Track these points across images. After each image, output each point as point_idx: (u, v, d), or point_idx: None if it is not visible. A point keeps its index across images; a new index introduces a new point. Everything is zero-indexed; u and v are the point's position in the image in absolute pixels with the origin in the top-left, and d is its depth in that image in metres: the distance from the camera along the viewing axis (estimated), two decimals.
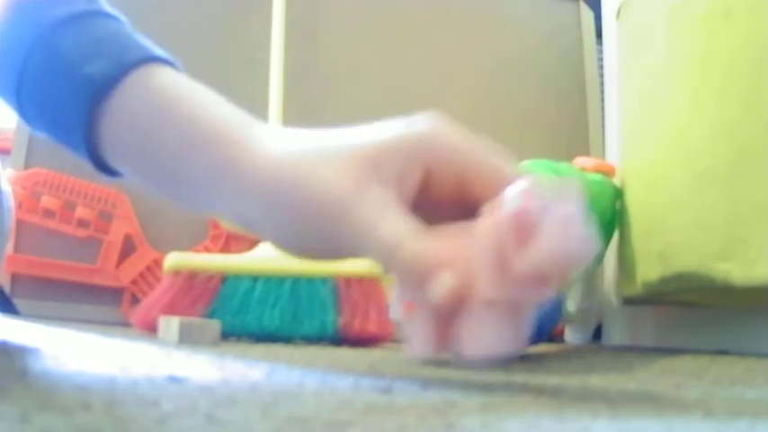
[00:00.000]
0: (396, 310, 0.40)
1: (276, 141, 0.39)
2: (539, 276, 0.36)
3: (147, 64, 0.42)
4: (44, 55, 0.43)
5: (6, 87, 0.45)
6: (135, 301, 1.14)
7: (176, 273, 0.90)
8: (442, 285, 0.34)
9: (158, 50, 0.44)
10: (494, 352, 0.35)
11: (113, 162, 0.44)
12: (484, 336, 0.35)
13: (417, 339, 0.38)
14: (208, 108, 0.41)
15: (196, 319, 0.75)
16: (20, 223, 1.13)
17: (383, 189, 0.36)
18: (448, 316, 0.37)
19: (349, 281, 0.92)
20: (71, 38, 0.43)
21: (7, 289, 1.13)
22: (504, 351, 0.35)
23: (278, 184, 0.37)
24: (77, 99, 0.42)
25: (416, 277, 0.35)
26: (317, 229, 0.37)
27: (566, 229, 0.33)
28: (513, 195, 0.34)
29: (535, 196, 0.34)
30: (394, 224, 0.35)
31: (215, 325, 0.72)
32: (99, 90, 0.41)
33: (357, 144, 0.37)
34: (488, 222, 0.35)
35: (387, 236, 0.35)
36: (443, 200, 0.39)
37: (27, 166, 1.16)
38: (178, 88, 0.42)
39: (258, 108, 1.07)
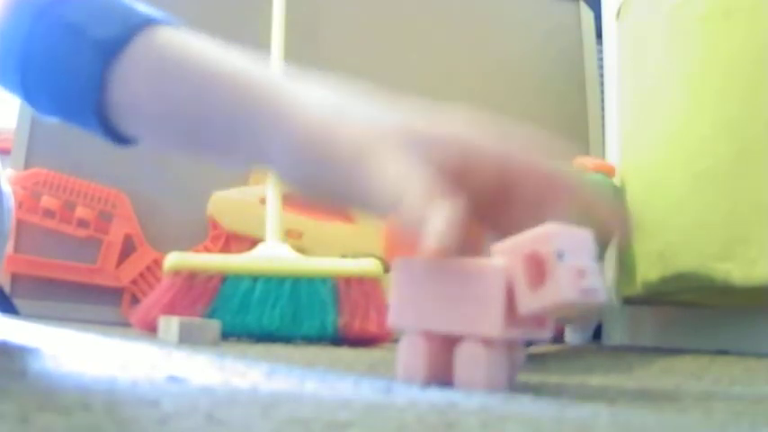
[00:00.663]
0: (394, 315, 0.40)
1: (312, 96, 0.39)
2: (542, 318, 0.37)
3: (153, 24, 0.42)
4: (46, 31, 0.43)
5: (11, 77, 0.45)
6: (135, 301, 1.14)
7: (176, 273, 0.90)
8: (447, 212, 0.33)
9: (161, 14, 0.44)
10: (487, 387, 0.36)
11: (127, 126, 0.44)
12: (479, 371, 0.36)
13: (408, 367, 0.39)
14: (222, 58, 0.41)
15: (196, 319, 0.75)
16: (20, 223, 1.13)
17: (410, 150, 0.36)
18: (441, 347, 0.38)
19: (349, 281, 0.92)
20: (72, 10, 0.43)
21: (7, 289, 1.13)
22: (497, 387, 0.36)
23: (312, 140, 0.37)
24: (87, 64, 0.42)
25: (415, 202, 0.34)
26: (336, 171, 0.37)
27: (575, 280, 0.34)
28: (529, 239, 0.35)
29: (550, 243, 0.34)
30: (408, 165, 0.35)
31: (215, 325, 0.72)
32: (109, 52, 0.41)
33: (391, 119, 0.38)
34: (500, 263, 0.35)
35: (398, 171, 0.35)
36: (484, 202, 0.38)
37: (27, 166, 1.16)
38: (188, 43, 0.42)
39: None
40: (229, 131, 0.40)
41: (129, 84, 0.42)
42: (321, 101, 0.38)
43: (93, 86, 0.42)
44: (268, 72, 0.40)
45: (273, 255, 0.95)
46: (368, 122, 0.37)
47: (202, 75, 0.40)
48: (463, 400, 0.32)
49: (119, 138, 0.45)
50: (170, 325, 0.73)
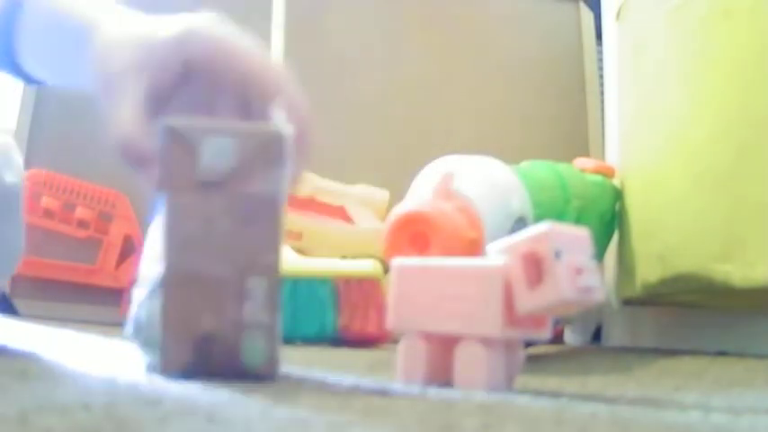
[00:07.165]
0: (393, 316, 0.40)
1: (113, 28, 0.46)
2: (541, 319, 0.37)
3: None
4: None
5: None
6: None
7: None
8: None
9: None
10: (487, 387, 0.36)
11: (30, 67, 0.53)
12: (478, 371, 0.36)
13: (407, 368, 0.39)
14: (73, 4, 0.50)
15: None
16: None
17: (138, 77, 0.43)
18: (441, 347, 0.38)
19: (348, 282, 0.92)
20: None
21: (7, 289, 1.13)
22: (497, 387, 0.36)
23: (95, 60, 0.45)
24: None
25: (124, 152, 0.42)
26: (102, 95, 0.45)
27: (573, 278, 0.34)
28: (527, 239, 0.35)
29: (548, 242, 0.34)
30: (123, 111, 0.42)
31: None
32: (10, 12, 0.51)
33: (145, 35, 0.44)
34: (498, 263, 0.36)
35: (117, 117, 0.42)
36: (227, 93, 0.44)
37: (27, 166, 1.16)
38: None
39: None
40: (64, 59, 0.50)
41: (26, 31, 0.51)
42: (118, 28, 0.46)
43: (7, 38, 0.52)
44: (99, 17, 0.48)
45: None
46: (131, 47, 0.44)
47: (59, 20, 0.50)
48: (463, 400, 0.32)
49: (29, 78, 0.54)
50: None
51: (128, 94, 0.42)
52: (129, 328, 0.43)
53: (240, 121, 0.42)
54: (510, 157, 0.70)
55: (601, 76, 1.35)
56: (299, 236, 1.09)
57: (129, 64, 0.43)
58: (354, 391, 0.35)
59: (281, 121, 0.40)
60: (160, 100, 0.43)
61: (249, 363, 0.36)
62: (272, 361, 0.36)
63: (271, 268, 0.36)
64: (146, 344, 0.40)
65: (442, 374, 0.38)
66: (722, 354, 0.76)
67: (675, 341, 0.90)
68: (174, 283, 0.36)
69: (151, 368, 0.39)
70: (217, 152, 0.36)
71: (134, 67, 0.43)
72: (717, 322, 0.84)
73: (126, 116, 0.42)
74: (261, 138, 0.37)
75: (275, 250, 0.36)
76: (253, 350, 0.36)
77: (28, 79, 0.55)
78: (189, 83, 0.44)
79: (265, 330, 0.36)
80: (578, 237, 0.36)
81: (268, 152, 0.36)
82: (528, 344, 0.71)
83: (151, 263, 0.42)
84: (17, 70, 0.54)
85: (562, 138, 1.34)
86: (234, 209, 0.36)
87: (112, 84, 0.43)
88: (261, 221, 0.36)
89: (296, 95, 0.43)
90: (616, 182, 0.88)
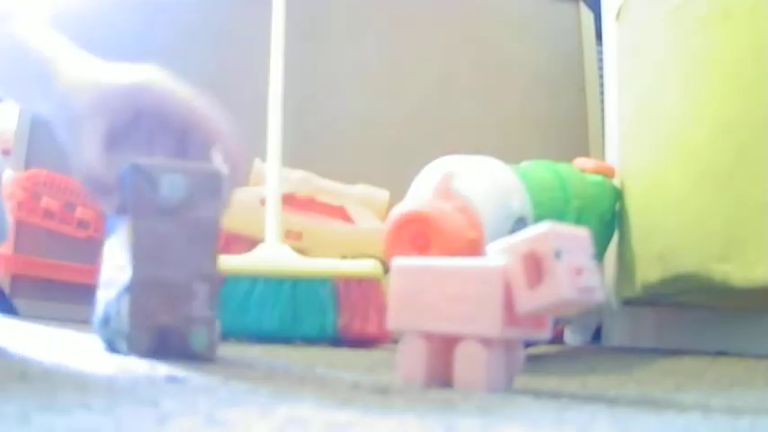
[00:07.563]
0: (394, 316, 0.40)
1: (72, 70, 0.54)
2: (541, 319, 0.37)
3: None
4: None
5: None
6: None
7: None
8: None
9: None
10: (487, 387, 0.36)
11: None
12: (479, 371, 0.36)
13: (408, 368, 0.39)
14: (34, 40, 0.57)
15: None
16: (20, 224, 1.13)
17: (98, 120, 0.51)
18: (441, 347, 0.38)
19: (349, 282, 0.92)
20: None
21: (7, 289, 1.13)
22: (497, 387, 0.36)
23: (57, 100, 0.54)
24: None
25: (89, 183, 0.51)
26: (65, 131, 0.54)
27: (573, 278, 0.34)
28: (527, 239, 0.35)
29: (549, 242, 0.34)
30: (87, 150, 0.51)
31: None
32: None
33: (104, 82, 0.52)
34: (498, 262, 0.36)
35: (82, 156, 0.51)
36: (168, 136, 0.52)
37: (27, 166, 1.16)
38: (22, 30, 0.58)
39: (258, 108, 1.07)
40: (26, 89, 0.58)
41: None
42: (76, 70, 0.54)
43: None
44: (55, 49, 0.56)
45: (273, 256, 0.95)
46: (91, 90, 0.52)
47: (20, 49, 0.57)
48: (463, 401, 0.32)
49: None
50: None
51: (89, 133, 0.51)
52: (96, 322, 0.55)
53: (177, 159, 0.51)
54: (510, 157, 0.70)
55: (601, 77, 1.35)
56: (299, 236, 1.09)
57: (89, 107, 0.51)
58: (354, 390, 0.35)
59: (218, 161, 0.50)
60: (115, 139, 0.51)
61: (195, 348, 0.46)
62: (213, 347, 0.47)
63: (212, 275, 0.47)
64: (115, 334, 0.50)
65: (442, 374, 0.38)
66: (722, 354, 0.76)
67: (676, 341, 0.90)
68: (139, 288, 0.47)
69: (112, 351, 0.51)
70: (172, 186, 0.47)
71: (94, 110, 0.51)
72: (717, 322, 0.84)
73: (89, 153, 0.50)
74: (205, 175, 0.48)
75: (214, 261, 0.48)
76: (198, 338, 0.46)
77: None
78: (138, 125, 0.52)
79: (208, 323, 0.46)
80: (578, 237, 0.36)
81: (210, 187, 0.47)
82: (528, 344, 0.70)
83: (112, 270, 0.54)
84: None
85: (562, 138, 1.34)
86: (184, 230, 0.46)
87: (74, 123, 0.52)
88: (204, 239, 0.47)
89: (231, 139, 0.52)
90: (616, 182, 0.88)
